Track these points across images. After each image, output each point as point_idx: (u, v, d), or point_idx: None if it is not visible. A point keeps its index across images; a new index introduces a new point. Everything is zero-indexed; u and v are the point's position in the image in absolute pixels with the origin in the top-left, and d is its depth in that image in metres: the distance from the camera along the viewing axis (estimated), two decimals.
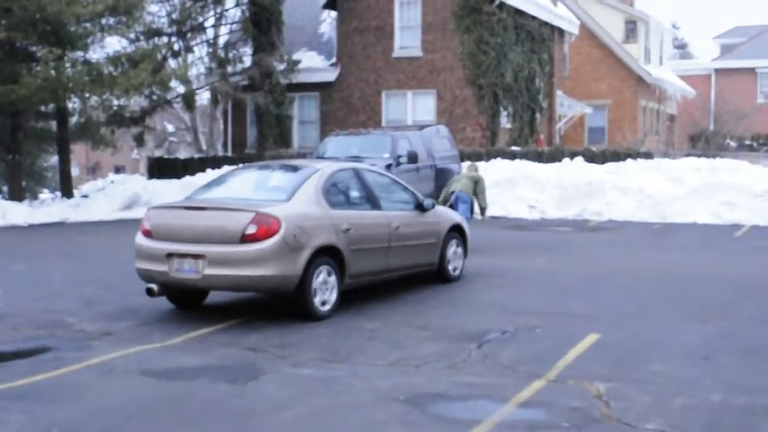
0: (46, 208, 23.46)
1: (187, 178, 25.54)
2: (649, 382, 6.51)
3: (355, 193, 10.03)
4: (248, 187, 9.81)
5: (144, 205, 23.51)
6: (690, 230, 18.24)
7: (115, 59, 24.34)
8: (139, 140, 30.35)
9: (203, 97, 34.47)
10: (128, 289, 10.78)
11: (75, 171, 38.03)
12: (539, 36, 30.74)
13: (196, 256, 8.57)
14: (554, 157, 25.16)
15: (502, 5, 27.59)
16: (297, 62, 28.67)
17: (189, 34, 29.31)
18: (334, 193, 9.58)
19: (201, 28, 30.11)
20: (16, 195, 24.49)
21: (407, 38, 28.48)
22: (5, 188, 26.41)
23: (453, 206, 13.98)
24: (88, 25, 24.38)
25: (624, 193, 21.22)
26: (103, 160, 64.79)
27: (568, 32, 33.98)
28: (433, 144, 17.72)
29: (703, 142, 35.55)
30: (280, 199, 9.05)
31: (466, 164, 17.82)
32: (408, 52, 28.35)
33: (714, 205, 20.05)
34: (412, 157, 16.35)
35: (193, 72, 29.78)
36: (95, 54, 25.39)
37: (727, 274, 12.03)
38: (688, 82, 45.34)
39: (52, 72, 22.49)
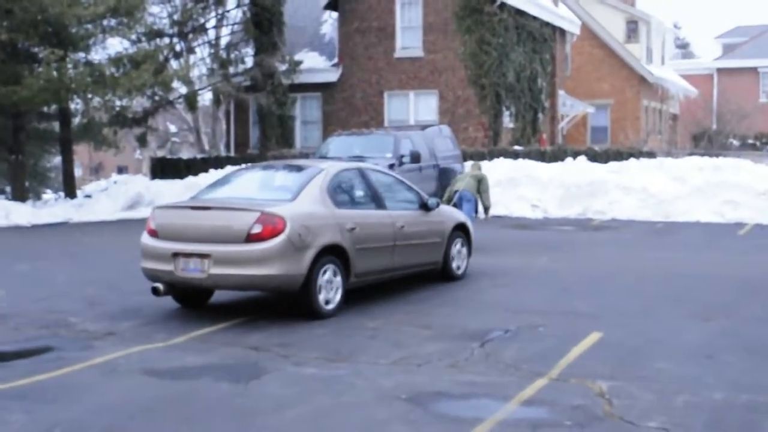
0: (49, 208, 23.49)
1: (190, 179, 25.55)
2: (652, 380, 6.51)
3: (359, 193, 10.06)
4: (253, 187, 9.86)
5: (147, 205, 23.56)
6: (693, 229, 18.22)
7: (117, 60, 24.36)
8: (142, 141, 30.37)
9: (205, 98, 34.53)
10: (131, 288, 10.80)
11: (78, 171, 38.00)
12: (541, 36, 30.73)
13: (202, 256, 8.60)
14: (557, 156, 25.14)
15: (503, 6, 27.58)
16: (299, 63, 28.68)
17: (190, 35, 29.34)
18: (339, 192, 9.61)
19: (202, 29, 30.13)
20: (19, 195, 24.52)
21: (409, 39, 28.48)
22: (8, 189, 26.40)
23: (457, 205, 14.01)
24: (89, 26, 24.40)
25: (627, 193, 21.21)
26: (106, 161, 64.88)
27: (570, 32, 33.96)
28: (436, 144, 17.73)
29: (706, 142, 35.52)
30: (285, 199, 9.08)
31: (469, 164, 17.82)
32: (410, 52, 28.35)
33: (717, 204, 20.03)
34: (415, 157, 16.36)
35: (195, 73, 29.85)
36: (97, 55, 25.45)
37: (730, 273, 12.01)
38: (691, 81, 45.29)
39: (54, 73, 22.51)
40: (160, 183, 25.79)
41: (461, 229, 11.54)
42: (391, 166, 15.29)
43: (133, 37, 26.68)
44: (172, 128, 56.56)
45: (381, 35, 28.60)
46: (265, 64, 27.83)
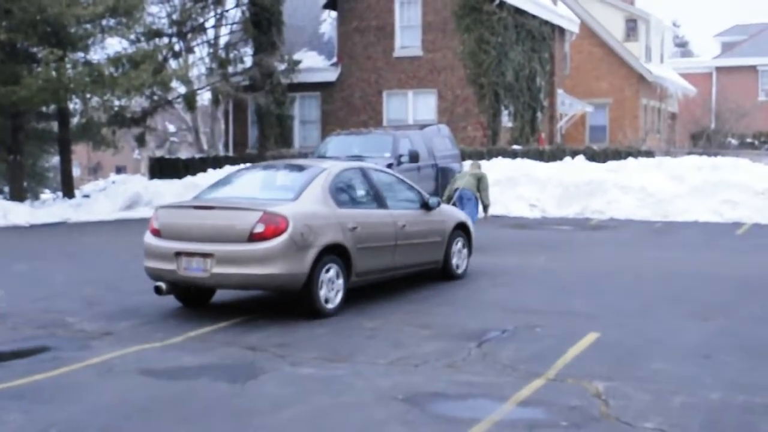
0: (48, 208, 23.49)
1: (189, 178, 25.55)
2: (649, 380, 6.51)
3: (361, 192, 10.12)
4: (256, 187, 9.91)
5: (145, 205, 23.57)
6: (691, 228, 18.23)
7: (115, 60, 24.36)
8: (141, 140, 30.37)
9: (204, 98, 34.51)
10: (129, 288, 10.80)
11: (76, 171, 38.09)
12: (540, 35, 30.72)
13: (205, 255, 8.65)
14: (555, 155, 25.15)
15: (502, 4, 27.58)
16: (298, 62, 28.68)
17: (189, 35, 29.34)
18: (341, 192, 9.66)
19: (201, 29, 30.13)
20: (18, 195, 24.52)
21: (408, 38, 28.48)
22: (7, 189, 26.42)
23: (456, 204, 14.04)
24: (88, 26, 24.40)
25: (625, 192, 21.21)
26: (105, 161, 64.86)
27: (569, 31, 33.95)
28: (435, 143, 17.72)
29: (705, 141, 35.50)
30: (287, 199, 9.12)
31: (468, 163, 17.82)
32: (409, 51, 28.35)
33: (715, 203, 20.04)
34: (414, 157, 16.35)
35: (193, 72, 29.85)
36: (96, 55, 25.45)
37: (728, 273, 12.02)
38: (689, 80, 45.29)
39: (53, 73, 22.51)
40: (158, 183, 25.78)
41: (462, 229, 11.59)
42: (390, 166, 15.26)
43: (132, 36, 26.70)
44: (171, 128, 56.56)
45: (380, 34, 28.60)
46: (264, 64, 27.82)
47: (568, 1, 35.02)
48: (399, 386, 6.39)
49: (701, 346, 7.61)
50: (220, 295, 9.97)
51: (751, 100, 43.70)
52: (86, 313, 9.36)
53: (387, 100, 28.77)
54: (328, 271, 8.95)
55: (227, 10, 30.63)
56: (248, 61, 29.11)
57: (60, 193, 27.88)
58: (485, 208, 14.83)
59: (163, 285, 9.03)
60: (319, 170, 9.68)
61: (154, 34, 27.79)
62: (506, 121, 28.65)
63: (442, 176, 17.01)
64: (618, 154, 25.64)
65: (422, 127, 19.14)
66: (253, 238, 8.56)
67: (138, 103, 29.00)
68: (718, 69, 49.04)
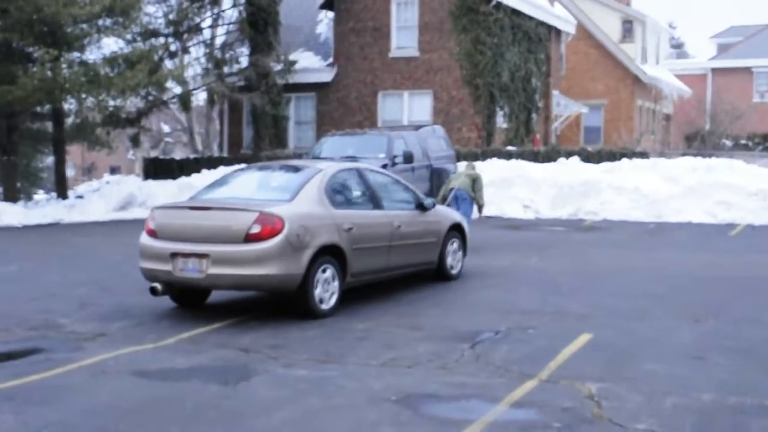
0: (41, 208, 23.44)
1: (183, 179, 25.52)
2: (641, 381, 6.51)
3: (357, 193, 10.15)
4: (252, 188, 9.92)
5: (139, 205, 23.54)
6: (685, 229, 18.26)
7: (111, 60, 24.33)
8: (135, 141, 30.34)
9: (199, 98, 34.53)
10: (122, 290, 10.79)
11: (71, 172, 38.00)
12: (536, 36, 30.75)
13: (200, 256, 8.65)
14: (550, 156, 25.17)
15: (498, 5, 27.60)
16: (294, 63, 28.66)
17: (186, 35, 29.31)
18: (337, 192, 9.69)
19: (198, 29, 30.11)
20: (11, 196, 24.47)
21: (404, 38, 28.49)
22: (0, 189, 26.36)
23: (451, 204, 14.06)
24: (84, 26, 24.36)
25: (619, 193, 21.24)
26: (99, 161, 64.74)
27: (565, 32, 33.98)
28: (429, 144, 17.72)
29: (699, 142, 35.55)
30: (283, 199, 9.14)
31: (463, 164, 17.84)
32: (405, 52, 28.36)
33: (709, 204, 20.08)
34: (408, 157, 16.34)
35: (189, 73, 29.80)
36: (92, 55, 25.42)
37: (721, 274, 12.04)
38: (685, 81, 45.38)
39: (49, 73, 22.48)
40: (152, 183, 25.74)
41: (457, 230, 11.62)
42: (384, 167, 15.25)
43: (128, 36, 26.66)
44: (166, 128, 56.47)
45: (376, 35, 28.61)
46: (260, 64, 27.80)
47: (564, 2, 35.06)
48: (391, 387, 6.39)
49: (693, 347, 7.62)
50: (213, 296, 9.96)
51: (746, 102, 43.79)
52: (79, 315, 9.35)
53: (382, 100, 28.78)
54: (323, 271, 8.97)
55: (224, 11, 30.61)
56: (244, 62, 29.08)
57: (54, 194, 27.84)
58: (480, 208, 14.88)
59: (158, 286, 9.03)
60: (315, 171, 9.70)
61: (151, 34, 27.76)
62: (501, 122, 28.67)
63: (437, 177, 17.01)
64: (612, 156, 25.66)
65: (417, 127, 19.15)
66: (249, 238, 8.57)
67: (133, 103, 28.97)
68: (714, 70, 49.16)
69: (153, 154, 51.59)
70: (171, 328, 8.61)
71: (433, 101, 28.00)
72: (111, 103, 25.54)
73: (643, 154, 26.62)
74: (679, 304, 9.74)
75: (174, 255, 8.81)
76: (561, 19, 32.95)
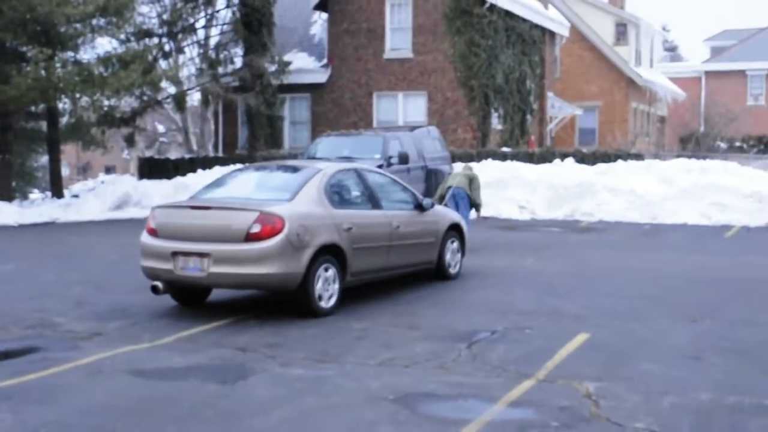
0: (36, 208, 23.40)
1: (178, 179, 25.49)
2: (639, 381, 6.53)
3: (356, 193, 10.22)
4: (252, 187, 9.96)
5: (134, 205, 23.51)
6: (680, 231, 18.29)
7: (105, 60, 24.30)
8: (130, 141, 30.28)
9: (194, 98, 34.43)
10: (118, 289, 10.77)
11: (65, 171, 37.94)
12: (530, 38, 30.80)
13: (201, 255, 8.69)
14: (545, 158, 25.18)
15: (492, 7, 27.63)
16: (288, 63, 28.65)
17: (180, 35, 29.27)
18: (336, 192, 9.74)
19: (192, 29, 30.06)
20: (6, 195, 24.41)
21: (398, 40, 28.49)
22: None
23: (448, 203, 14.08)
24: (78, 25, 24.33)
25: (614, 194, 21.27)
26: (94, 161, 64.67)
27: (559, 34, 34.05)
28: (424, 145, 17.75)
29: (694, 144, 35.65)
30: (283, 199, 9.18)
31: (459, 165, 17.85)
32: (399, 53, 28.37)
33: (704, 206, 20.12)
34: (403, 158, 16.37)
35: (183, 73, 29.81)
36: (86, 54, 25.38)
37: (716, 275, 12.07)
38: (679, 84, 45.50)
39: (43, 72, 22.44)
40: (147, 183, 25.71)
41: (455, 229, 11.68)
42: (380, 167, 15.26)
43: (122, 36, 26.64)
44: (161, 128, 56.43)
45: (370, 36, 28.60)
46: (255, 65, 27.77)
47: (558, 4, 35.13)
48: (389, 387, 6.39)
49: (690, 348, 7.64)
50: (213, 295, 9.95)
51: (739, 104, 43.92)
52: (75, 314, 9.33)
53: (377, 101, 28.77)
54: (324, 270, 9.01)
55: (218, 11, 30.60)
56: (238, 62, 29.05)
57: (49, 193, 27.77)
58: (477, 207, 14.91)
59: (159, 284, 9.08)
60: (315, 171, 9.75)
61: (145, 34, 27.72)
62: (496, 123, 28.70)
63: (432, 178, 17.04)
64: (607, 157, 25.68)
65: (412, 128, 19.18)
66: (250, 238, 8.61)
67: (127, 103, 28.94)
68: (708, 73, 49.27)
69: (148, 153, 51.53)
70: (168, 327, 8.61)
71: (428, 102, 28.01)
72: (105, 102, 25.53)
73: (638, 156, 26.66)
74: (674, 305, 9.76)
75: (175, 254, 8.86)
76: (555, 21, 33.02)
